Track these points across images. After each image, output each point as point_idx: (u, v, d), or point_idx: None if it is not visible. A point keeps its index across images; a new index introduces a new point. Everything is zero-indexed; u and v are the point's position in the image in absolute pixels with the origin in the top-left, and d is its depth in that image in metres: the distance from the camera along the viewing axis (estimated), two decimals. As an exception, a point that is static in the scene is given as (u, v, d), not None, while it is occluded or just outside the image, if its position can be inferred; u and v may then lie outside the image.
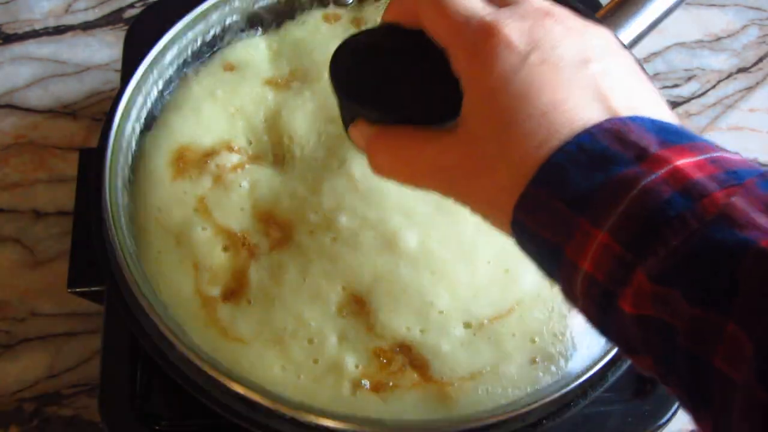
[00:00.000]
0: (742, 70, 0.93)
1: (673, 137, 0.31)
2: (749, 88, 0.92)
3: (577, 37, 0.36)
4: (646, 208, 0.29)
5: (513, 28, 0.35)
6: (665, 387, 0.32)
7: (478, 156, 0.35)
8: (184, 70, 0.67)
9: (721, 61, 0.94)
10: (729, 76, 0.93)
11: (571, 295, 0.33)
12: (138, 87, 0.62)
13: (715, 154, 0.30)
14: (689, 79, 0.93)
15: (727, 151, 0.32)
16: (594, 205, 0.30)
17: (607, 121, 0.32)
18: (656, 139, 0.30)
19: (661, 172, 0.29)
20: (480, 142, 0.35)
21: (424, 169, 0.38)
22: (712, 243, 0.27)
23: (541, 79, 0.33)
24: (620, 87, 0.34)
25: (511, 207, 0.33)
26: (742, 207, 0.28)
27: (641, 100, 0.34)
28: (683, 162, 0.29)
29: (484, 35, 0.35)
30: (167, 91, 0.66)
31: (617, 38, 0.39)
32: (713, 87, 0.92)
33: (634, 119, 0.32)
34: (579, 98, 0.33)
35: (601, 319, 0.32)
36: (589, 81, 0.34)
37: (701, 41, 0.95)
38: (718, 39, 0.95)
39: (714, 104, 0.91)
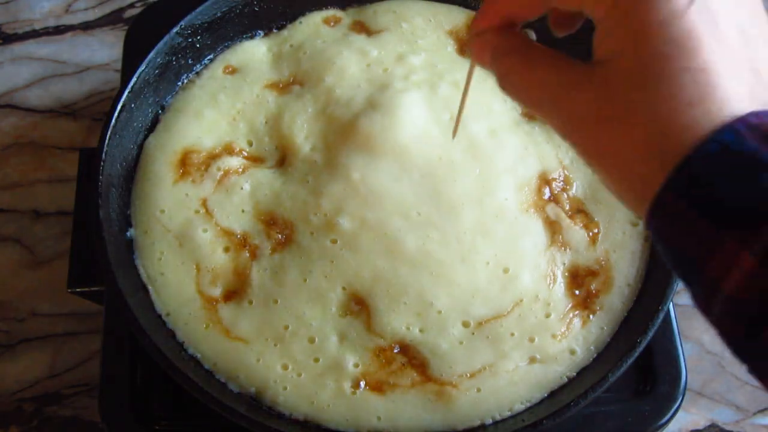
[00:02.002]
0: (741, 70, 0.93)
1: None
2: (749, 89, 0.92)
3: None
4: None
5: None
6: None
7: (617, 100, 0.31)
8: (186, 72, 0.67)
9: (720, 62, 0.94)
10: (729, 76, 0.93)
11: (705, 308, 0.30)
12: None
13: None
14: (689, 79, 0.93)
15: None
16: (741, 223, 0.27)
17: (753, 115, 0.28)
18: None
19: None
20: (624, 86, 0.31)
21: (553, 98, 0.34)
22: None
23: (701, 33, 0.30)
24: None
25: (643, 179, 0.30)
26: None
27: None
28: None
29: None
30: (169, 94, 0.66)
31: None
32: (713, 87, 0.92)
33: None
34: (734, 69, 0.30)
35: (740, 344, 0.29)
36: (743, 51, 0.30)
37: (701, 41, 0.95)
38: (718, 39, 0.95)
39: (714, 104, 0.91)
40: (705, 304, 0.30)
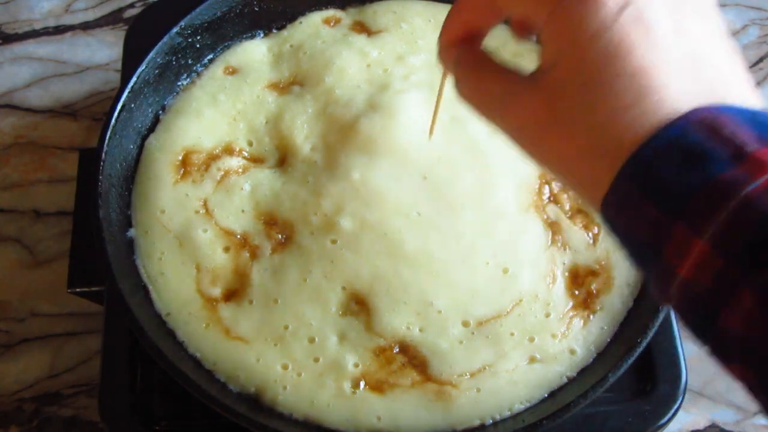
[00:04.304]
0: (741, 70, 0.93)
1: None
2: (749, 89, 0.92)
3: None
4: (749, 222, 0.27)
5: None
6: (753, 394, 0.30)
7: (558, 108, 0.33)
8: (186, 72, 0.67)
9: (720, 62, 0.94)
10: (729, 76, 0.93)
11: (663, 292, 0.31)
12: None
13: None
14: (689, 79, 0.92)
15: None
16: (692, 211, 0.28)
17: (697, 110, 0.30)
18: (753, 134, 0.29)
19: (763, 179, 0.27)
20: (563, 94, 0.33)
21: (501, 106, 0.36)
22: None
23: (632, 40, 0.31)
24: (712, 62, 0.32)
25: (593, 179, 0.32)
26: None
27: (731, 79, 0.32)
28: None
29: None
30: (169, 94, 0.66)
31: None
32: (713, 87, 0.92)
33: (726, 109, 0.30)
34: (669, 68, 0.31)
35: (698, 326, 0.31)
36: (680, 50, 0.32)
37: (701, 41, 0.95)
38: (718, 39, 0.95)
39: (714, 104, 0.91)
40: (663, 289, 0.31)
